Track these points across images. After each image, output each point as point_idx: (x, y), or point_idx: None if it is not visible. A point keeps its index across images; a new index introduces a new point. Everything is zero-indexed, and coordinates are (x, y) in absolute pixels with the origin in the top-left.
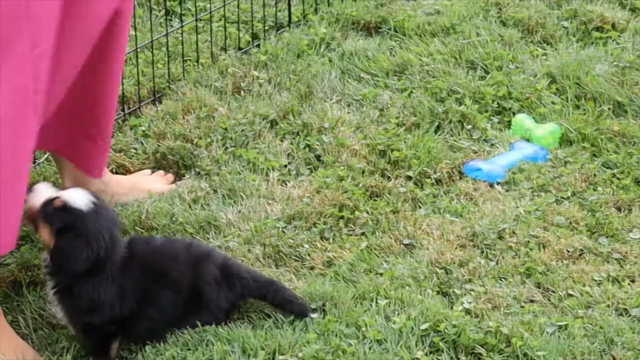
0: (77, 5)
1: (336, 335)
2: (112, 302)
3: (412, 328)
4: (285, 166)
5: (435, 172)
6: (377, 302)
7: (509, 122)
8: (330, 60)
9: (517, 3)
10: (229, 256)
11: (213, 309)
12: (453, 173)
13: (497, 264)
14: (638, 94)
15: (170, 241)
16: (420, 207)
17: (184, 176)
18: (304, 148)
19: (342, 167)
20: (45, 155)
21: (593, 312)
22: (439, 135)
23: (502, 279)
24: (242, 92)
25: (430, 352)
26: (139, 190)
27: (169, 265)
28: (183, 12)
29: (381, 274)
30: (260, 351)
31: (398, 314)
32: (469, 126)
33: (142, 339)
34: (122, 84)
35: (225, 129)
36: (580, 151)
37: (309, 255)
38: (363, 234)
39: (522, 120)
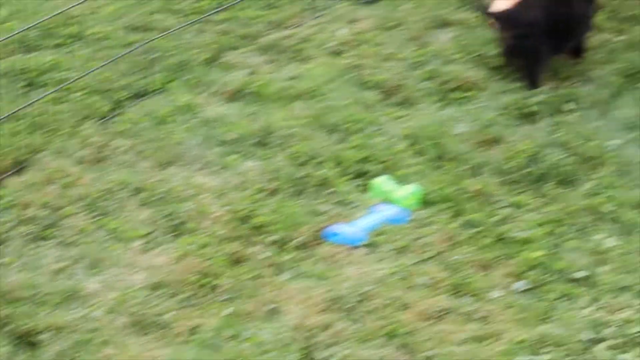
0: None
1: None
2: None
3: None
4: (149, 234)
5: (297, 237)
6: None
7: (370, 184)
8: (192, 128)
9: (376, 65)
10: None
11: None
12: (315, 237)
13: (361, 326)
14: (497, 153)
15: None
16: (282, 272)
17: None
18: (167, 216)
19: (205, 234)
20: None
21: None
22: (300, 199)
23: (367, 341)
24: (104, 161)
25: None
26: None
27: None
28: (45, 82)
29: (246, 340)
30: None
31: None
32: (330, 190)
33: None
34: None
35: (89, 198)
36: (441, 211)
37: (173, 322)
38: (227, 300)
39: (383, 182)
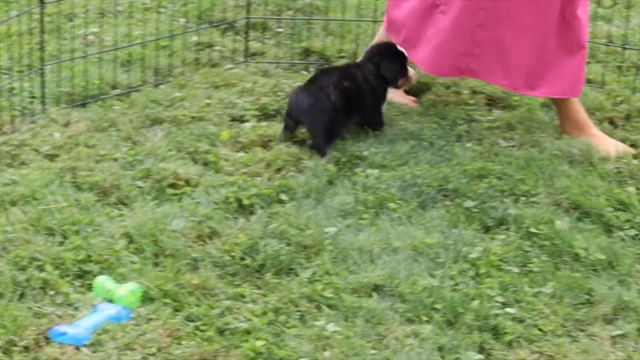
0: None
1: None
2: None
3: None
4: None
5: (22, 340)
6: None
7: (91, 284)
8: None
9: (91, 167)
10: None
11: None
12: (40, 339)
13: None
14: (215, 246)
15: None
16: None
17: None
18: None
19: None
20: None
21: None
22: (23, 303)
23: None
24: None
25: None
26: None
27: None
28: None
29: None
30: None
31: None
32: (52, 292)
33: None
34: None
35: None
36: (163, 307)
37: None
38: None
39: (103, 281)
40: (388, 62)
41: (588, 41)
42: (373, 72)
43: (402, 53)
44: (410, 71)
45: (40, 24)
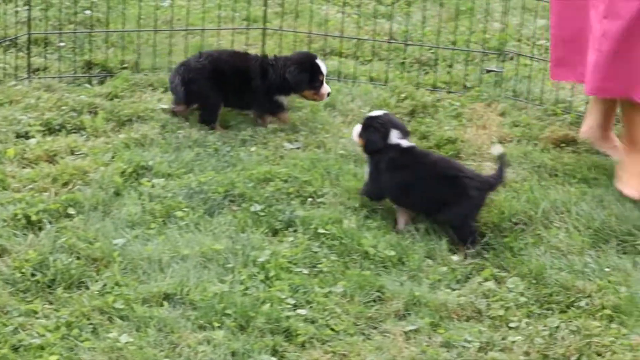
0: None
1: None
2: None
3: None
4: None
5: None
6: None
7: None
8: None
9: None
10: None
11: None
12: None
13: None
14: (5, 263)
15: None
16: None
17: None
18: None
19: None
20: None
21: None
22: None
23: None
24: None
25: None
26: None
27: None
28: None
29: None
30: None
31: None
32: None
33: None
34: None
35: None
36: None
37: None
38: None
39: None
40: (297, 68)
41: (370, 40)
42: (278, 70)
43: (317, 66)
44: (325, 88)
45: None
